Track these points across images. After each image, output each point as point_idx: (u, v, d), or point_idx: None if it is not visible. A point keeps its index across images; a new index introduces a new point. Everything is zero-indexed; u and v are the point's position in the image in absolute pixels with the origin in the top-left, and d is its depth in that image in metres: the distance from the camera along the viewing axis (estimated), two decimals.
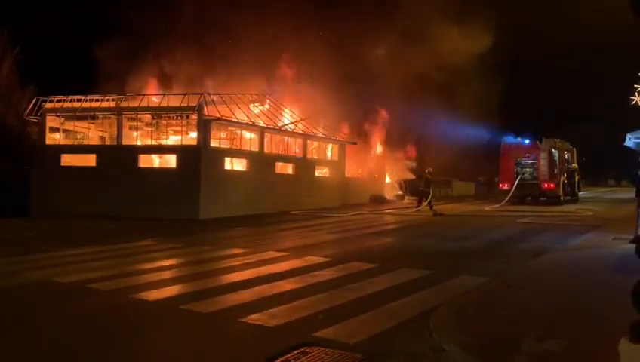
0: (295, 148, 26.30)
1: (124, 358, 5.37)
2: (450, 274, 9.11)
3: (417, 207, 23.09)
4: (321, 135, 27.62)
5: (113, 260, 10.85)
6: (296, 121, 25.83)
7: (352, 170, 30.93)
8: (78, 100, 21.85)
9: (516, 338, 5.42)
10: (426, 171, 23.73)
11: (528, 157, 28.58)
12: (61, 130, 22.73)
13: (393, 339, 5.71)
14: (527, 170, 28.39)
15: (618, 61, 43.37)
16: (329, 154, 28.99)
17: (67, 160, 21.83)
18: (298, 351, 5.29)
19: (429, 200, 22.67)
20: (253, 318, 6.43)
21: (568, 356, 5.01)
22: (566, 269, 9.46)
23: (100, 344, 5.76)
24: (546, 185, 27.88)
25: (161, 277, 9.07)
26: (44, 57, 29.79)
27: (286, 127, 25.02)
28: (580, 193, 31.15)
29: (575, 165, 31.60)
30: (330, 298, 7.48)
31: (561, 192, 28.41)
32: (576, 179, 31.03)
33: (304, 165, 26.21)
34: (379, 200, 29.89)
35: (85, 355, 5.44)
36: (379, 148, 33.33)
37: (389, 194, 32.13)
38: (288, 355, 5.17)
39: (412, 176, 29.51)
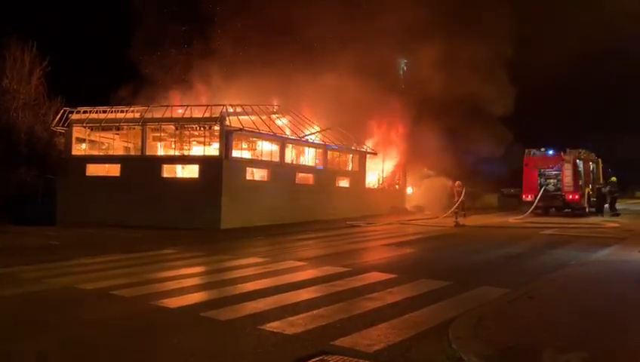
0: (316, 158, 26.39)
1: None
2: (470, 285, 9.03)
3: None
4: (341, 146, 27.66)
5: (136, 268, 11.02)
6: (316, 132, 25.95)
7: (372, 181, 30.88)
8: (104, 111, 22.29)
9: (536, 349, 5.35)
10: (449, 185, 24.05)
11: (552, 168, 28.18)
12: (87, 141, 23.17)
13: (412, 349, 5.69)
14: (551, 181, 27.96)
15: None
16: (349, 164, 29.01)
17: (92, 170, 22.21)
18: (317, 359, 5.31)
19: (456, 207, 23.32)
20: (273, 326, 6.48)
21: None
22: (589, 282, 9.30)
23: (121, 349, 5.87)
24: (570, 197, 27.41)
25: (182, 285, 9.17)
26: (71, 69, 30.51)
27: (307, 137, 25.15)
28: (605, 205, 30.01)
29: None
30: (348, 307, 7.49)
31: (585, 204, 27.90)
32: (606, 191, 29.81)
33: (324, 176, 26.25)
34: (400, 211, 29.76)
35: (106, 359, 5.53)
36: (399, 160, 33.15)
37: (410, 205, 31.98)
38: None
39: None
